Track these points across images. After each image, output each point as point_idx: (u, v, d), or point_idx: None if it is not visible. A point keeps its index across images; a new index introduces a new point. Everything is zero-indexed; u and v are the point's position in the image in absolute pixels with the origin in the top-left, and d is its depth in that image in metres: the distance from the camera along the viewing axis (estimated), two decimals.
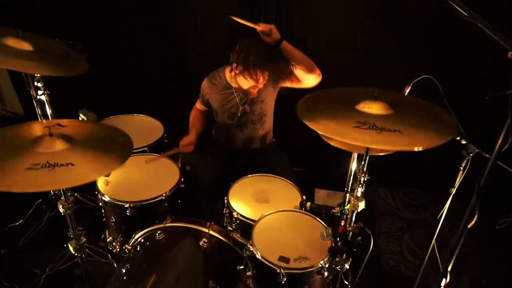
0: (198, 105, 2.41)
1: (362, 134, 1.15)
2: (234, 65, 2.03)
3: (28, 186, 1.25)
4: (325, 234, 1.48)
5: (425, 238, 2.64)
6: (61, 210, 1.57)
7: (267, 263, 1.50)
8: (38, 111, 2.11)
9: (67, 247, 1.73)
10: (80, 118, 2.49)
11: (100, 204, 2.00)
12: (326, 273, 1.50)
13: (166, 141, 2.47)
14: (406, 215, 2.87)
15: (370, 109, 1.27)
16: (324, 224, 1.70)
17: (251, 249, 1.58)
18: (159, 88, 3.18)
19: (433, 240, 1.88)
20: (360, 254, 1.53)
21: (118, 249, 2.04)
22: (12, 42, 1.63)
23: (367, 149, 1.38)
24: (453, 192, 1.72)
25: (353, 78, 2.70)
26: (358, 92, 1.36)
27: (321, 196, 3.04)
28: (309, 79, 2.04)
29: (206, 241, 1.68)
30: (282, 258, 1.50)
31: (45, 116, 2.17)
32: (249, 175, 2.12)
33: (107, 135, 1.57)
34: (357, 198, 1.50)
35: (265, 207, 1.90)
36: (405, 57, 2.64)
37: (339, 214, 1.82)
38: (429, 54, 2.60)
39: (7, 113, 3.68)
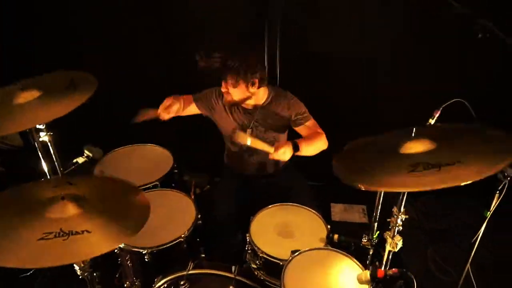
0: (187, 100, 2.19)
1: (423, 177, 1.04)
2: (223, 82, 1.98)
3: (42, 261, 1.15)
4: (363, 278, 1.39)
5: (451, 251, 2.57)
6: (78, 272, 1.47)
7: None
8: (40, 155, 2.01)
9: None
10: (85, 155, 2.40)
11: (115, 250, 1.90)
12: None
13: (176, 171, 2.37)
14: (425, 225, 2.79)
15: (415, 149, 1.17)
16: (358, 263, 1.60)
17: None
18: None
19: (468, 265, 1.81)
20: None
21: None
22: (18, 99, 1.53)
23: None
24: (488, 216, 1.64)
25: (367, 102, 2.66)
26: (391, 136, 1.26)
27: (338, 211, 2.96)
28: None
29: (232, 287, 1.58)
30: None
31: (48, 156, 2.09)
32: (269, 206, 2.03)
33: (120, 192, 1.46)
34: (393, 237, 1.41)
35: (290, 243, 1.82)
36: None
37: (369, 247, 1.74)
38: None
39: (6, 146, 3.56)
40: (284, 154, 1.85)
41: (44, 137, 2.09)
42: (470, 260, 1.77)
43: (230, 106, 2.09)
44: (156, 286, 1.73)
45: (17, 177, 2.20)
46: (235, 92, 1.96)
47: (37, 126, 2.01)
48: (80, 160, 2.35)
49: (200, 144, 2.92)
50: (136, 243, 1.82)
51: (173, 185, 2.27)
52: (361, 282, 1.40)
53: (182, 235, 1.86)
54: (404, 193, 1.30)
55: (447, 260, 2.48)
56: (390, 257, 1.46)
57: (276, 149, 1.85)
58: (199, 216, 1.98)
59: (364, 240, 1.72)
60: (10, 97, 1.57)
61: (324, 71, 2.74)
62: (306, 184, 2.24)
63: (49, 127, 2.08)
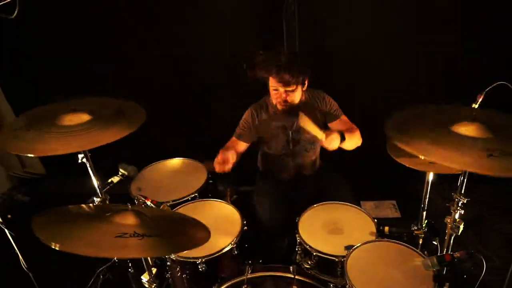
0: (234, 143, 2.22)
1: (498, 162, 1.08)
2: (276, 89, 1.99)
3: (123, 252, 1.20)
4: (430, 264, 1.41)
5: (489, 234, 2.60)
6: (146, 285, 1.48)
7: None
8: (96, 183, 2.01)
9: None
10: (120, 173, 2.41)
11: (167, 263, 1.91)
12: None
13: (211, 181, 2.38)
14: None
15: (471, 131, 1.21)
16: (417, 251, 1.62)
17: None
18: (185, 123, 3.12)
19: None
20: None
21: None
22: (68, 120, 1.55)
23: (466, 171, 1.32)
24: None
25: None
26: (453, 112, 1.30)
27: (369, 208, 2.97)
28: None
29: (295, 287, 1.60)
30: None
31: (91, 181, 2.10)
32: (313, 206, 2.05)
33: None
34: (455, 220, 1.43)
35: (341, 239, 1.83)
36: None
37: (422, 235, 1.76)
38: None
39: (28, 174, 3.57)
40: (333, 141, 1.90)
41: (83, 159, 2.12)
42: None
43: (277, 111, 2.12)
44: None
45: (42, 205, 2.20)
46: (295, 95, 1.99)
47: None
48: (115, 179, 2.37)
49: None
50: (189, 253, 1.82)
51: (210, 195, 2.29)
52: (427, 267, 1.42)
53: (233, 242, 1.87)
54: (466, 173, 1.33)
55: (487, 245, 2.50)
56: (452, 241, 1.48)
57: (327, 136, 1.90)
58: (245, 222, 2.00)
59: (416, 229, 1.74)
60: (59, 116, 1.58)
61: (342, 70, 2.78)
62: (345, 182, 2.26)
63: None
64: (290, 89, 1.95)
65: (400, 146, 1.21)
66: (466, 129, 1.22)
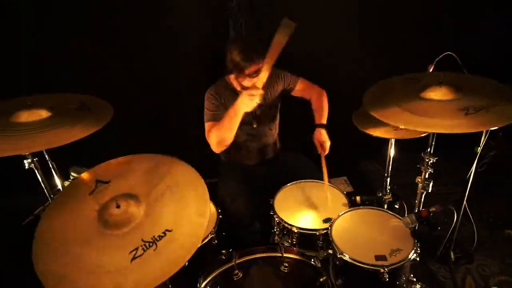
0: (207, 127, 2.12)
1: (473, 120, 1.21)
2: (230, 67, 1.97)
3: (155, 280, 1.08)
4: (409, 221, 1.54)
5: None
6: None
7: (366, 266, 1.51)
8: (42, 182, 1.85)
9: None
10: (71, 178, 2.22)
11: None
12: (418, 258, 1.56)
13: None
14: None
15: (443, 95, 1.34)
16: (392, 213, 1.75)
17: (343, 258, 1.57)
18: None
19: (464, 200, 2.06)
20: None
21: None
22: (25, 117, 1.37)
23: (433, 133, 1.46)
24: (479, 152, 1.91)
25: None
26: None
27: None
28: None
29: (286, 265, 1.62)
30: (378, 257, 1.52)
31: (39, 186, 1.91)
32: (284, 186, 2.10)
33: (157, 171, 1.41)
34: (425, 179, 1.58)
35: (317, 214, 1.91)
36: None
37: (391, 200, 1.91)
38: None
39: None
40: (327, 142, 2.10)
41: (31, 164, 1.91)
42: (466, 195, 2.03)
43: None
44: (203, 285, 1.68)
45: None
46: (261, 81, 1.93)
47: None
48: (67, 184, 2.17)
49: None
50: None
51: None
52: (407, 225, 1.55)
53: (212, 231, 1.84)
54: (434, 136, 1.48)
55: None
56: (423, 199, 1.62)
57: (325, 151, 2.11)
58: (219, 210, 1.98)
59: (386, 196, 1.88)
60: (13, 113, 1.40)
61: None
62: (307, 160, 2.33)
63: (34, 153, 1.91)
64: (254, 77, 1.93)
65: (382, 119, 1.29)
66: (436, 94, 1.35)
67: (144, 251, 1.11)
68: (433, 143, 1.51)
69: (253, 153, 2.30)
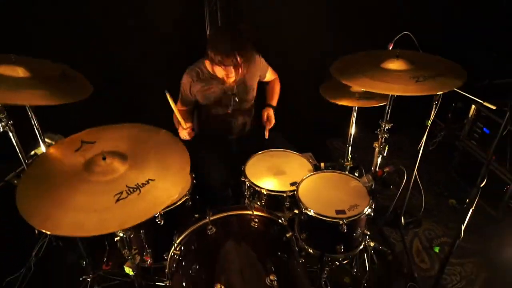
0: (180, 107, 2.27)
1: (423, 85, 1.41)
2: (209, 55, 2.04)
3: (134, 218, 1.18)
4: (366, 180, 1.73)
5: None
6: (120, 234, 1.49)
7: (327, 219, 1.70)
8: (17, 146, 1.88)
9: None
10: (46, 144, 2.26)
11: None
12: (372, 213, 1.76)
13: None
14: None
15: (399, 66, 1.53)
16: (351, 175, 1.95)
17: (308, 213, 1.74)
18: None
19: (416, 167, 2.31)
20: None
21: (150, 262, 1.98)
22: (3, 70, 1.41)
23: (391, 98, 1.66)
24: (429, 125, 2.14)
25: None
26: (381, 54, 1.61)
27: None
28: None
29: (256, 220, 1.77)
30: (338, 211, 1.71)
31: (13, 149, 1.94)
32: (255, 154, 2.24)
33: (143, 136, 1.52)
34: (382, 144, 1.78)
35: (285, 178, 2.07)
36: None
37: (351, 165, 2.11)
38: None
39: None
40: (273, 120, 2.33)
41: (5, 128, 1.94)
42: (418, 162, 2.27)
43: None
44: (178, 241, 1.80)
45: None
46: (237, 72, 2.06)
47: None
48: (40, 151, 2.20)
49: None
50: None
51: None
52: (365, 184, 1.75)
53: (187, 193, 1.96)
54: (390, 104, 1.67)
55: None
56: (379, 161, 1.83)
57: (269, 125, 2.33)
58: (193, 175, 2.09)
59: (347, 162, 2.08)
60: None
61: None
62: (280, 135, 2.48)
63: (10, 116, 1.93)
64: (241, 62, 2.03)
65: (347, 83, 1.47)
66: (394, 65, 1.54)
67: (128, 194, 1.21)
68: (389, 111, 1.71)
69: (229, 129, 2.42)
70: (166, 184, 1.29)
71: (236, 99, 2.25)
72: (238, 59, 1.98)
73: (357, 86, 1.48)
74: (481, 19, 3.23)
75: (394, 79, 1.47)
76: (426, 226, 2.66)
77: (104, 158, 1.34)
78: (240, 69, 2.05)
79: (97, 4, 2.57)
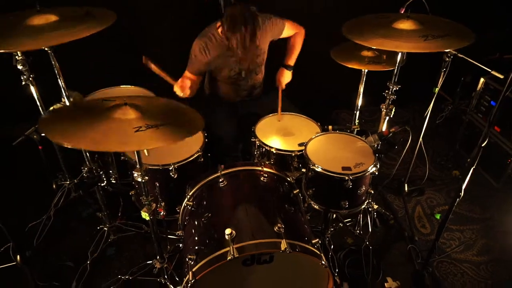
0: (188, 75, 2.26)
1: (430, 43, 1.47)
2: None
3: (155, 142, 1.29)
4: (372, 139, 1.81)
5: None
6: (139, 179, 1.58)
7: (334, 175, 1.78)
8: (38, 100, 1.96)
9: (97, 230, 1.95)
10: (62, 101, 2.34)
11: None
12: (376, 171, 1.84)
13: None
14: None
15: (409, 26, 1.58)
16: (357, 136, 2.02)
17: (315, 169, 1.82)
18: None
19: (422, 133, 2.36)
20: None
21: (163, 214, 2.09)
22: (34, 20, 1.49)
23: (401, 59, 1.71)
24: (437, 92, 2.19)
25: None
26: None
27: None
28: None
29: (266, 176, 1.86)
30: (344, 168, 1.79)
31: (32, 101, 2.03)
32: (265, 116, 2.31)
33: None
34: (388, 105, 1.84)
35: (293, 139, 2.15)
36: None
37: (359, 129, 2.17)
38: None
39: None
40: (286, 80, 2.38)
41: (27, 81, 2.02)
42: (424, 128, 2.32)
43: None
44: (190, 193, 1.90)
45: None
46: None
47: (19, 67, 1.95)
48: (57, 106, 2.29)
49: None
50: (159, 161, 1.95)
51: None
52: (371, 143, 1.82)
53: (199, 149, 2.05)
54: (398, 67, 1.72)
55: None
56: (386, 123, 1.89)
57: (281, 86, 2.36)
58: (205, 134, 2.17)
59: (355, 126, 2.14)
60: (26, 18, 1.52)
61: None
62: (288, 101, 2.54)
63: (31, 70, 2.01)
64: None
65: (358, 42, 1.52)
66: (404, 25, 1.59)
67: (147, 128, 1.30)
68: (397, 72, 1.76)
69: (239, 92, 2.48)
70: (180, 129, 1.37)
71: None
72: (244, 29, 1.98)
73: (368, 44, 1.52)
74: None
75: (403, 37, 1.52)
76: (428, 195, 2.74)
77: (125, 104, 1.42)
78: (247, 38, 2.04)
79: None
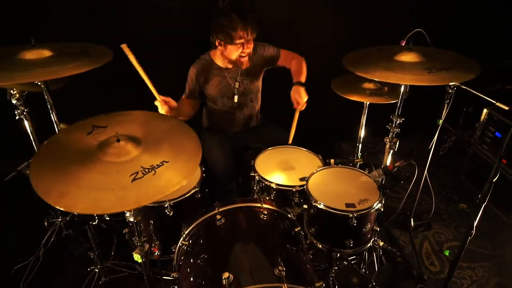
0: (183, 97, 2.34)
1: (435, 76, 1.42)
2: (218, 41, 2.10)
3: (153, 196, 1.18)
4: (377, 174, 1.73)
5: None
6: (131, 218, 1.49)
7: (337, 212, 1.69)
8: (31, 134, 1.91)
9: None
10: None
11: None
12: (382, 208, 1.75)
13: None
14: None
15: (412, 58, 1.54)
16: (361, 170, 1.94)
17: (317, 206, 1.73)
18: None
19: (427, 166, 2.29)
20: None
21: (158, 254, 1.98)
22: (28, 55, 1.46)
23: (404, 91, 1.66)
24: (441, 124, 2.13)
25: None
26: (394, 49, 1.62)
27: None
28: None
29: (265, 213, 1.77)
30: (348, 205, 1.70)
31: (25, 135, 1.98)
32: (265, 150, 2.24)
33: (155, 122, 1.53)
34: (392, 138, 1.78)
35: (294, 174, 2.06)
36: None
37: (362, 162, 2.10)
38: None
39: None
40: (303, 98, 2.13)
41: (21, 115, 1.98)
42: (429, 161, 2.25)
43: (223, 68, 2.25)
44: (186, 232, 1.80)
45: None
46: (252, 45, 2.11)
47: (13, 102, 1.92)
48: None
49: None
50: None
51: None
52: (375, 178, 1.74)
53: (196, 185, 1.97)
54: (402, 99, 1.67)
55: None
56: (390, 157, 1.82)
57: (298, 105, 2.15)
58: (203, 169, 2.10)
59: (357, 159, 2.07)
60: (20, 52, 1.48)
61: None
62: (285, 133, 2.48)
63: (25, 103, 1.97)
64: (253, 37, 2.09)
65: (360, 74, 1.47)
66: (406, 57, 1.55)
67: (144, 175, 1.22)
68: (401, 105, 1.71)
69: (235, 122, 2.44)
70: (180, 166, 1.30)
71: (239, 86, 2.28)
72: (249, 32, 2.02)
73: (371, 77, 1.48)
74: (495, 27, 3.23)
75: (407, 70, 1.48)
76: (436, 229, 2.62)
77: (118, 140, 1.36)
78: (252, 45, 2.09)
79: None
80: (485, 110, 2.76)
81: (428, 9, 3.07)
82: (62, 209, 1.10)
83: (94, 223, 2.10)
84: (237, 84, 2.26)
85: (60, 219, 2.26)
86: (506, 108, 2.05)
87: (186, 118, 2.21)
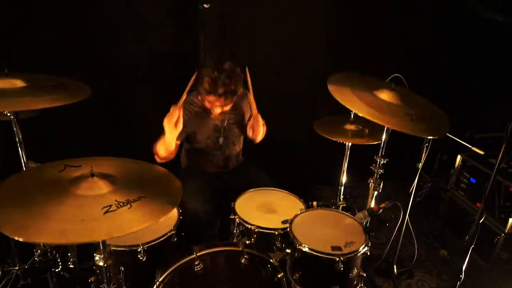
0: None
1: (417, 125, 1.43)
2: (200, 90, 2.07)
3: (129, 227, 1.10)
4: (362, 216, 1.68)
5: None
6: (100, 263, 1.36)
7: (323, 255, 1.60)
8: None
9: None
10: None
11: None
12: (368, 251, 1.68)
13: None
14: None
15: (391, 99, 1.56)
16: (345, 212, 1.89)
17: (302, 249, 1.65)
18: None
19: (408, 209, 2.27)
20: None
21: None
22: (1, 84, 1.38)
23: (387, 134, 1.66)
24: (420, 167, 2.15)
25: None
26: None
27: None
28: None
29: (247, 257, 1.66)
30: (334, 248, 1.63)
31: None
32: (245, 192, 2.17)
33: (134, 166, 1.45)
34: (376, 180, 1.76)
35: (276, 217, 1.99)
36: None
37: (344, 205, 2.06)
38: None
39: None
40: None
41: None
42: (410, 203, 2.23)
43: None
44: (160, 279, 1.66)
45: None
46: (228, 106, 2.09)
47: None
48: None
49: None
50: (126, 242, 1.73)
51: None
52: (360, 220, 1.69)
53: (173, 228, 1.85)
54: (385, 141, 1.68)
55: None
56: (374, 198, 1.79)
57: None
58: (180, 211, 1.99)
59: (340, 202, 2.03)
60: None
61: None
62: (264, 173, 2.43)
63: None
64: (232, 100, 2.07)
65: (344, 103, 1.47)
66: (386, 96, 1.57)
67: (118, 208, 1.13)
68: (384, 146, 1.71)
69: (217, 162, 2.37)
70: (158, 202, 1.21)
71: (222, 130, 2.24)
72: (222, 102, 2.01)
73: (355, 109, 1.47)
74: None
75: (390, 112, 1.49)
76: (418, 277, 2.56)
77: (92, 175, 1.26)
78: (226, 100, 2.04)
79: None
80: (459, 157, 2.83)
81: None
82: (20, 239, 0.97)
83: (56, 270, 1.90)
84: (222, 128, 2.23)
85: (17, 267, 2.04)
86: (482, 152, 2.11)
87: (167, 156, 2.10)
